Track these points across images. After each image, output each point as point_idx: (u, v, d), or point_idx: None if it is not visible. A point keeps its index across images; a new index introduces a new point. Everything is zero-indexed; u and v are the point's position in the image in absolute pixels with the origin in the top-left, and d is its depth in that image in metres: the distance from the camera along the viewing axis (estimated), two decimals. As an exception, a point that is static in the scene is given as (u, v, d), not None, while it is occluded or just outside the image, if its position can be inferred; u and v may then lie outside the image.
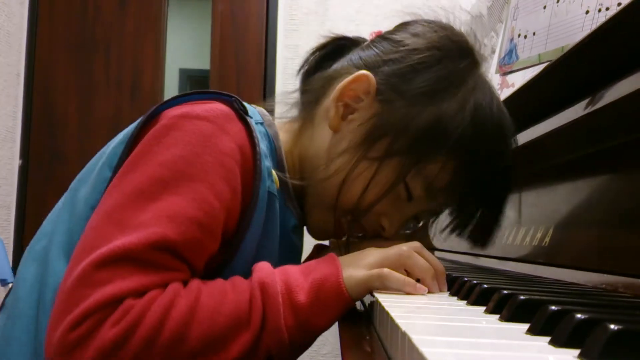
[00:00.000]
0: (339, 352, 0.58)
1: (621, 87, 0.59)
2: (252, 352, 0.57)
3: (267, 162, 0.67)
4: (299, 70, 0.81)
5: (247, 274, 0.63)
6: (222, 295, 0.57)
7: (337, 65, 0.76)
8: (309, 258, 0.85)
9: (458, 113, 0.67)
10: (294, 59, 2.35)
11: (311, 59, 0.80)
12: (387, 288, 0.61)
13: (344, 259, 0.63)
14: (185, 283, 0.58)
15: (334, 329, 0.62)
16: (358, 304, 0.74)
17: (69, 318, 0.53)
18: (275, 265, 0.65)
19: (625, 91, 0.58)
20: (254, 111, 0.72)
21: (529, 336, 0.40)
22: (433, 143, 0.67)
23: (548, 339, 0.38)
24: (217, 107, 0.65)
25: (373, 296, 0.61)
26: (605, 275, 0.59)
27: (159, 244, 0.56)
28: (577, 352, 0.34)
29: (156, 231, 0.56)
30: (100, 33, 2.48)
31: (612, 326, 0.33)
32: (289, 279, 0.59)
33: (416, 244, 0.65)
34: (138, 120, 0.68)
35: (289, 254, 0.74)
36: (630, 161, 0.62)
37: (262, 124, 0.71)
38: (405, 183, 0.69)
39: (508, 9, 1.17)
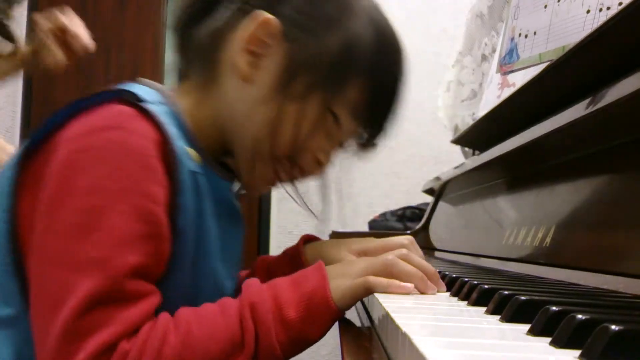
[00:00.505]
0: (339, 352, 0.58)
1: (622, 86, 0.59)
2: None
3: (180, 143, 0.64)
4: (171, 28, 0.75)
5: (192, 259, 0.63)
6: (213, 322, 0.57)
7: (217, 16, 0.70)
8: (294, 248, 0.83)
9: (363, 33, 0.68)
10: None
11: (182, 15, 0.74)
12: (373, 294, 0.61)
13: (331, 270, 0.63)
14: (171, 311, 0.58)
15: (335, 329, 0.62)
16: (359, 306, 0.74)
17: None
18: (222, 235, 0.66)
19: (627, 91, 0.57)
20: (151, 92, 0.68)
21: (529, 337, 0.40)
22: (348, 67, 0.68)
23: (549, 339, 0.38)
24: (114, 110, 0.62)
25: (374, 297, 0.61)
26: (605, 275, 0.59)
27: (125, 274, 0.55)
28: (578, 352, 0.34)
29: (117, 261, 0.55)
30: (100, 33, 2.48)
31: (613, 327, 0.32)
32: (278, 294, 0.59)
33: (402, 251, 0.65)
34: (26, 144, 0.64)
35: (230, 218, 0.73)
36: (630, 161, 0.62)
37: (163, 103, 0.67)
38: (332, 112, 0.69)
39: (509, 8, 1.17)
